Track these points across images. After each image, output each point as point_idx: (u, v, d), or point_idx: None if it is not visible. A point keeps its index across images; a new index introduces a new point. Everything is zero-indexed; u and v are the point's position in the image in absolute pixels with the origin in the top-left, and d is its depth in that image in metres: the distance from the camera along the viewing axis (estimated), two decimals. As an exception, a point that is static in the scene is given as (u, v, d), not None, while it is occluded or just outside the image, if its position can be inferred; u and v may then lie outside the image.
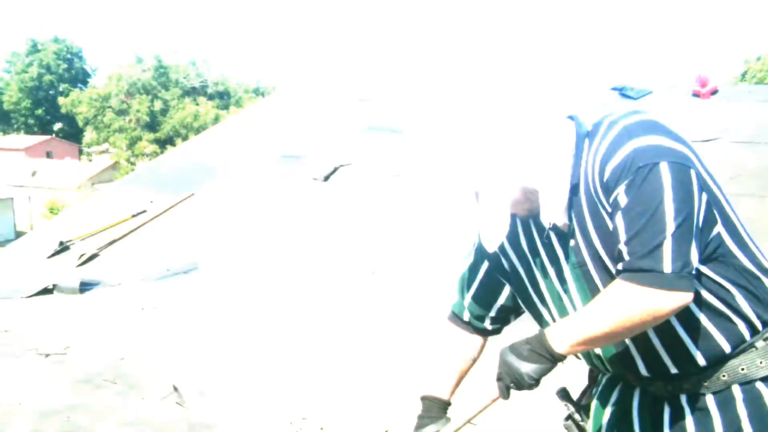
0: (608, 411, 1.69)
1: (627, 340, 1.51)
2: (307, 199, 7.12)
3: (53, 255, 7.32)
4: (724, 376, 1.49)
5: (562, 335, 1.44)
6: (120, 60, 47.10)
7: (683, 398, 1.53)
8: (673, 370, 1.51)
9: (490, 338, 1.88)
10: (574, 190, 1.49)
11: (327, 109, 9.52)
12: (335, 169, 7.55)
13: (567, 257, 1.54)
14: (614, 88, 7.66)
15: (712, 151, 5.69)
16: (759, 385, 1.48)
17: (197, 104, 44.39)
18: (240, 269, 6.15)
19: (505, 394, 1.53)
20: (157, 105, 43.63)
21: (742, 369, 1.48)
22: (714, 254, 1.45)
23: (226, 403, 3.58)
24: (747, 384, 1.48)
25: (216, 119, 36.29)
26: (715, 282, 1.46)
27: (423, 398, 1.81)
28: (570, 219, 1.51)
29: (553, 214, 1.50)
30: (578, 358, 1.61)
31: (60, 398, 3.69)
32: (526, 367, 1.46)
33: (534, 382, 1.47)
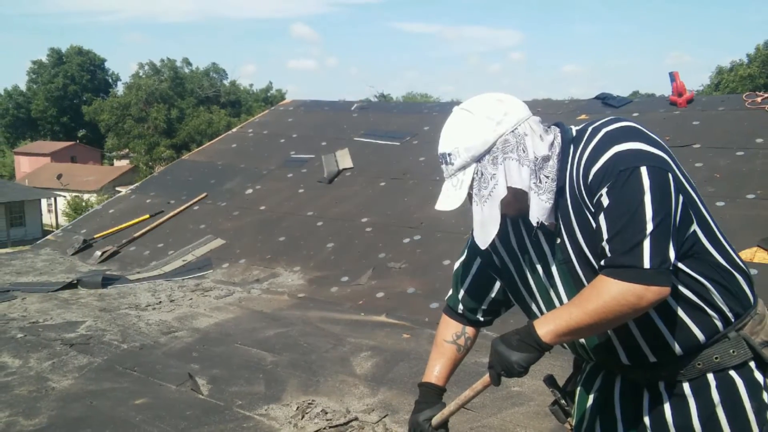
0: (592, 397, 1.69)
1: (609, 331, 1.51)
2: (312, 200, 7.12)
3: (77, 252, 7.33)
4: (699, 364, 1.49)
5: (548, 326, 1.44)
6: (139, 71, 46.91)
7: (661, 385, 1.53)
8: (652, 359, 1.51)
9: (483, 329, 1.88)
10: (560, 192, 1.49)
11: (331, 115, 9.52)
12: (339, 172, 7.55)
13: (554, 254, 1.54)
14: (597, 97, 7.66)
15: (688, 156, 5.70)
16: (731, 372, 1.48)
17: (211, 112, 44.40)
18: (249, 266, 6.15)
19: (496, 380, 1.53)
20: (174, 113, 43.63)
21: (716, 358, 1.48)
22: (690, 251, 1.45)
23: (236, 390, 3.58)
24: (720, 372, 1.48)
25: (228, 126, 36.27)
26: (690, 277, 1.46)
27: (420, 385, 1.81)
28: (556, 219, 1.51)
29: (541, 214, 1.49)
30: (564, 347, 1.61)
31: (83, 385, 3.69)
32: (516, 356, 1.46)
33: (523, 370, 1.47)
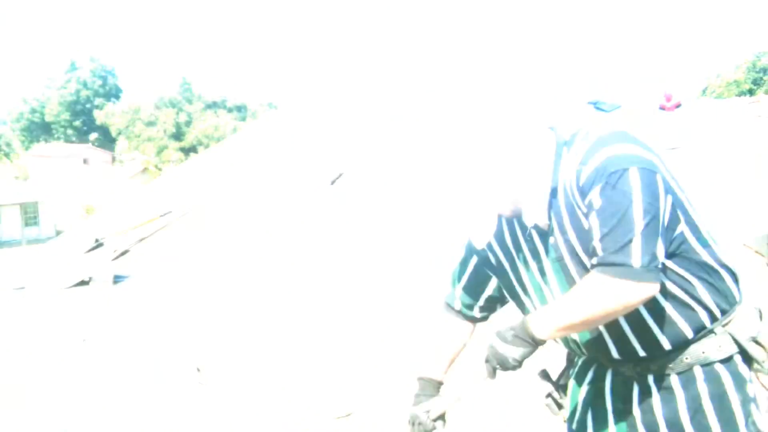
0: (584, 389, 1.69)
1: (600, 327, 1.51)
2: (314, 201, 7.12)
3: (90, 251, 7.33)
4: (687, 358, 1.49)
5: (542, 322, 1.44)
6: (149, 76, 46.89)
7: (650, 378, 1.53)
8: (642, 354, 1.51)
9: (479, 325, 1.88)
10: (554, 193, 1.49)
11: (332, 120, 9.52)
12: (340, 175, 7.55)
13: (547, 252, 1.54)
14: (590, 102, 7.66)
15: (676, 158, 5.70)
16: (718, 366, 1.48)
17: (218, 117, 44.38)
18: (254, 264, 6.15)
19: (491, 374, 1.53)
20: (182, 117, 43.65)
21: (703, 352, 1.48)
22: (678, 250, 1.45)
23: (239, 383, 3.58)
24: (707, 365, 1.48)
25: (234, 130, 36.24)
26: (678, 275, 1.46)
27: (419, 378, 1.81)
28: (550, 218, 1.51)
29: (535, 214, 1.50)
30: (557, 342, 1.61)
31: (94, 378, 3.69)
32: (511, 351, 1.46)
33: (517, 364, 1.47)
